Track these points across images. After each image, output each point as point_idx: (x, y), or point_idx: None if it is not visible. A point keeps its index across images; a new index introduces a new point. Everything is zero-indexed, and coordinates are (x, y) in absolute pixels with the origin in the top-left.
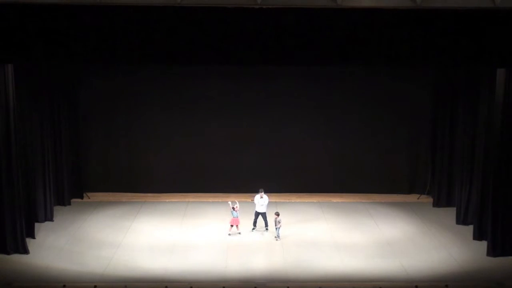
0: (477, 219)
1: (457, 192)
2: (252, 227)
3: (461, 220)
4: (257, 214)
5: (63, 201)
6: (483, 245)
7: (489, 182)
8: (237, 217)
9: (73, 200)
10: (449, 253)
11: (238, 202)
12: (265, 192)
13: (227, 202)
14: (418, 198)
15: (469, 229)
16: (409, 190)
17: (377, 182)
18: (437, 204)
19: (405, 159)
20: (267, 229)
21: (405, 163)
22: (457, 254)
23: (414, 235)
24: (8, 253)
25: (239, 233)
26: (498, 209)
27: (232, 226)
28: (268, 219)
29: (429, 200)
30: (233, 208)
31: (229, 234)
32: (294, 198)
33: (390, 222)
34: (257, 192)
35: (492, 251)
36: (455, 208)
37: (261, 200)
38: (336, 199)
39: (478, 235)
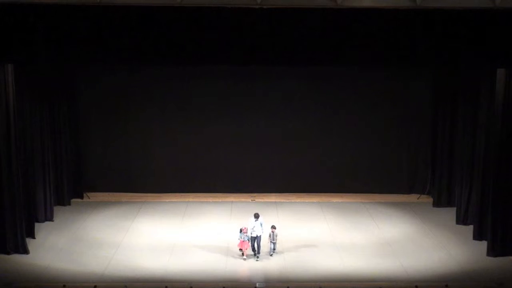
0: (477, 219)
1: (457, 192)
2: (256, 254)
3: (461, 220)
4: (253, 239)
5: (63, 201)
6: (483, 245)
7: (489, 182)
8: (245, 240)
9: (73, 200)
10: (449, 253)
11: (238, 202)
12: (264, 192)
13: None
14: (418, 198)
15: (469, 229)
16: (409, 190)
17: (377, 182)
18: (437, 204)
19: (405, 159)
20: (258, 257)
21: (405, 163)
22: (457, 254)
23: (414, 235)
24: (8, 253)
25: (245, 258)
26: (498, 209)
27: (241, 249)
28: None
29: (429, 200)
30: (241, 230)
31: (245, 259)
32: (294, 198)
33: (390, 222)
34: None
35: (492, 251)
36: (455, 208)
37: (257, 224)
38: (336, 199)
39: (478, 235)
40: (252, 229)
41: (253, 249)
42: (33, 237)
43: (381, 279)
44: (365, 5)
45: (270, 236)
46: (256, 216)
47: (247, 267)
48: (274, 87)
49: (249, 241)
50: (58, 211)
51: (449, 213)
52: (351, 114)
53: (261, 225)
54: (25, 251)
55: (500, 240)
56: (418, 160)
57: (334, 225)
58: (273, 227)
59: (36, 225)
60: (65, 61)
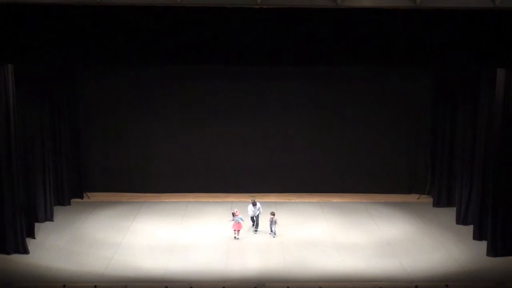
0: (477, 219)
1: (457, 192)
2: (254, 229)
3: (461, 220)
4: (252, 218)
5: (63, 201)
6: (483, 245)
7: (489, 182)
8: (238, 222)
9: (73, 200)
10: (449, 253)
11: (238, 202)
12: (264, 192)
13: (232, 210)
14: (418, 198)
15: (469, 229)
16: (409, 190)
17: (377, 182)
18: (437, 204)
19: (405, 159)
20: (256, 230)
21: (405, 163)
22: (457, 254)
23: (414, 235)
24: (8, 253)
25: (237, 238)
26: (498, 209)
27: (235, 231)
28: (262, 219)
29: (429, 200)
30: (233, 213)
31: (237, 238)
32: (294, 198)
33: (390, 222)
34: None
35: (492, 251)
36: (455, 208)
37: (255, 208)
38: (336, 199)
39: (478, 235)
40: (253, 211)
41: (253, 223)
42: (33, 237)
43: (381, 279)
44: (365, 5)
45: (270, 222)
46: (254, 204)
47: (247, 267)
48: (274, 87)
49: (242, 221)
50: (58, 211)
51: (449, 213)
52: (351, 113)
53: (259, 208)
54: (25, 251)
55: (500, 240)
56: (418, 160)
57: (334, 225)
58: (272, 213)
59: (36, 225)
60: (65, 61)
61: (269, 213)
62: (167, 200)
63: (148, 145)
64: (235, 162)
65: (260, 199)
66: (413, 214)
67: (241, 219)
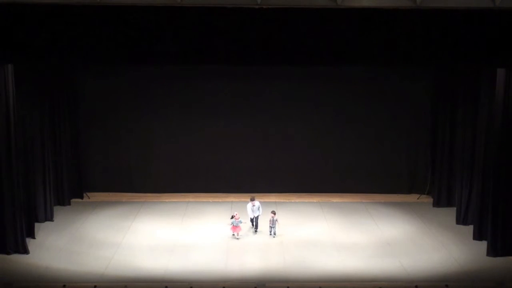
0: (477, 219)
1: (457, 192)
2: (254, 229)
3: (461, 220)
4: (251, 219)
5: (63, 201)
6: (483, 245)
7: (489, 182)
8: (238, 225)
9: (73, 200)
10: (449, 253)
11: (238, 202)
12: (264, 192)
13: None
14: (418, 198)
15: (469, 229)
16: (409, 190)
17: (377, 182)
18: (437, 204)
19: (405, 159)
20: (256, 231)
21: (405, 163)
22: (457, 254)
23: (414, 235)
24: (8, 253)
25: (238, 238)
26: (498, 209)
27: (233, 234)
28: (262, 220)
29: (429, 200)
30: (232, 216)
31: (237, 238)
32: (294, 198)
33: (390, 222)
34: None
35: (492, 251)
36: (455, 208)
37: (254, 208)
38: (336, 199)
39: (478, 235)
40: (252, 209)
41: (252, 224)
42: (33, 237)
43: (381, 279)
44: (365, 5)
45: (270, 221)
46: (252, 199)
47: (247, 267)
48: (274, 87)
49: (241, 223)
50: (58, 211)
51: (449, 213)
52: (351, 113)
53: (258, 208)
54: (25, 251)
55: (500, 240)
56: (418, 160)
57: (334, 225)
58: (273, 212)
59: (36, 225)
60: (65, 61)
61: (270, 212)
62: (167, 200)
63: (148, 145)
64: (235, 162)
65: (260, 199)
66: (413, 214)
67: (241, 222)
